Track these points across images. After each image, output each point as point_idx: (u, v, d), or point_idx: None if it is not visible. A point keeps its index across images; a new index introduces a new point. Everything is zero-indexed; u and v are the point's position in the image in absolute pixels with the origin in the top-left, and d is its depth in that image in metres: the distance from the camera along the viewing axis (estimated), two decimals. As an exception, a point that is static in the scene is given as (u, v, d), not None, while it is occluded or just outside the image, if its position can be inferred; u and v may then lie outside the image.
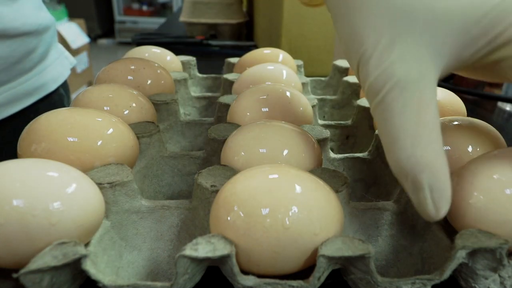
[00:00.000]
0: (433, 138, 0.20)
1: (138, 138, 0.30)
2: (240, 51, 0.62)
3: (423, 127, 0.19)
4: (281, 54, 0.46)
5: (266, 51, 0.46)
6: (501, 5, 0.19)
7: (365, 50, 0.20)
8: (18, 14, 0.40)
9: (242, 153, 0.26)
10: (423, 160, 0.19)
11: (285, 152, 0.26)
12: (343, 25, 0.21)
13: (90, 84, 2.24)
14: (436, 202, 0.20)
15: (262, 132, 0.27)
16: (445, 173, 0.20)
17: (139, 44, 0.63)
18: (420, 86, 0.19)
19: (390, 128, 0.20)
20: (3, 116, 0.42)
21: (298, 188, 0.21)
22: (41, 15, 0.45)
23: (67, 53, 0.55)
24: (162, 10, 3.87)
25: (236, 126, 0.32)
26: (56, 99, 0.50)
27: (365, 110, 0.38)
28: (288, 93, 0.33)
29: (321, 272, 0.20)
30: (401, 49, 0.19)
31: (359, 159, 0.33)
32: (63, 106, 0.51)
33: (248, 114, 0.32)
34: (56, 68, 0.50)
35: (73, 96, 0.95)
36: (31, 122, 0.26)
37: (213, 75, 0.53)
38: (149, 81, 0.39)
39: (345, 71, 0.50)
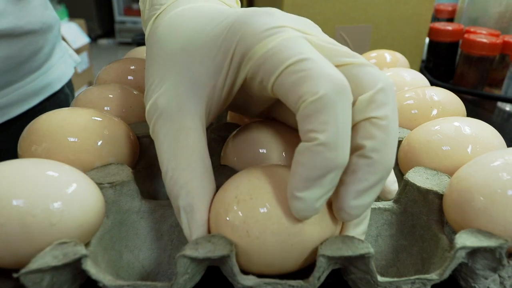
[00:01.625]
0: (193, 161, 0.21)
1: (138, 138, 0.30)
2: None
3: (182, 150, 0.21)
4: None
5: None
6: (231, 29, 0.21)
7: (146, 90, 0.23)
8: (22, 12, 0.40)
9: (242, 153, 0.26)
10: (180, 181, 0.21)
11: (285, 152, 0.26)
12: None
13: (90, 84, 2.24)
14: (190, 224, 0.21)
15: (262, 132, 0.27)
16: (201, 195, 0.21)
17: (139, 44, 0.63)
18: (179, 115, 0.21)
19: (158, 153, 0.22)
20: (11, 116, 0.43)
21: (298, 188, 0.21)
22: (46, 14, 0.45)
23: (71, 51, 0.56)
24: (162, 10, 3.86)
25: (236, 126, 0.32)
26: (62, 98, 0.51)
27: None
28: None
29: (321, 272, 0.20)
30: (165, 86, 0.22)
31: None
32: (68, 105, 0.51)
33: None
34: (60, 67, 0.50)
35: (73, 96, 0.95)
36: (31, 122, 0.26)
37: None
38: (149, 81, 0.39)
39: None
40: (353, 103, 0.19)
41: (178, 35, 0.22)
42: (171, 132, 0.21)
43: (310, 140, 0.18)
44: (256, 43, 0.19)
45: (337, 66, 0.19)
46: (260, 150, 0.26)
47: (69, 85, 0.54)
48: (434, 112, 0.32)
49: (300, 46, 0.19)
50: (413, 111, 0.33)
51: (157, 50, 0.23)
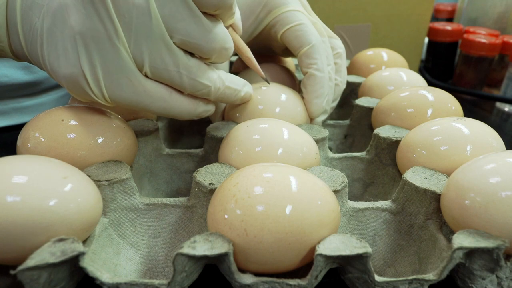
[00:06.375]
0: None
1: (136, 135, 0.30)
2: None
3: None
4: None
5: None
6: None
7: None
8: None
9: (239, 151, 0.26)
10: None
11: (282, 150, 0.26)
12: None
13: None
14: None
15: (259, 130, 0.27)
16: None
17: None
18: None
19: None
20: None
21: (295, 187, 0.21)
22: None
23: None
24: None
25: (235, 124, 0.32)
26: None
27: (364, 109, 0.38)
28: (284, 92, 0.33)
29: (319, 271, 0.20)
30: None
31: (357, 158, 0.33)
32: None
33: (245, 112, 0.32)
34: None
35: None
36: (31, 119, 0.26)
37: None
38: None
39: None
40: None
41: None
42: None
43: (310, 67, 0.33)
44: (277, 6, 0.33)
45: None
46: (257, 149, 0.26)
47: None
48: (430, 111, 0.32)
49: (301, 16, 0.33)
50: (409, 110, 0.33)
51: None
